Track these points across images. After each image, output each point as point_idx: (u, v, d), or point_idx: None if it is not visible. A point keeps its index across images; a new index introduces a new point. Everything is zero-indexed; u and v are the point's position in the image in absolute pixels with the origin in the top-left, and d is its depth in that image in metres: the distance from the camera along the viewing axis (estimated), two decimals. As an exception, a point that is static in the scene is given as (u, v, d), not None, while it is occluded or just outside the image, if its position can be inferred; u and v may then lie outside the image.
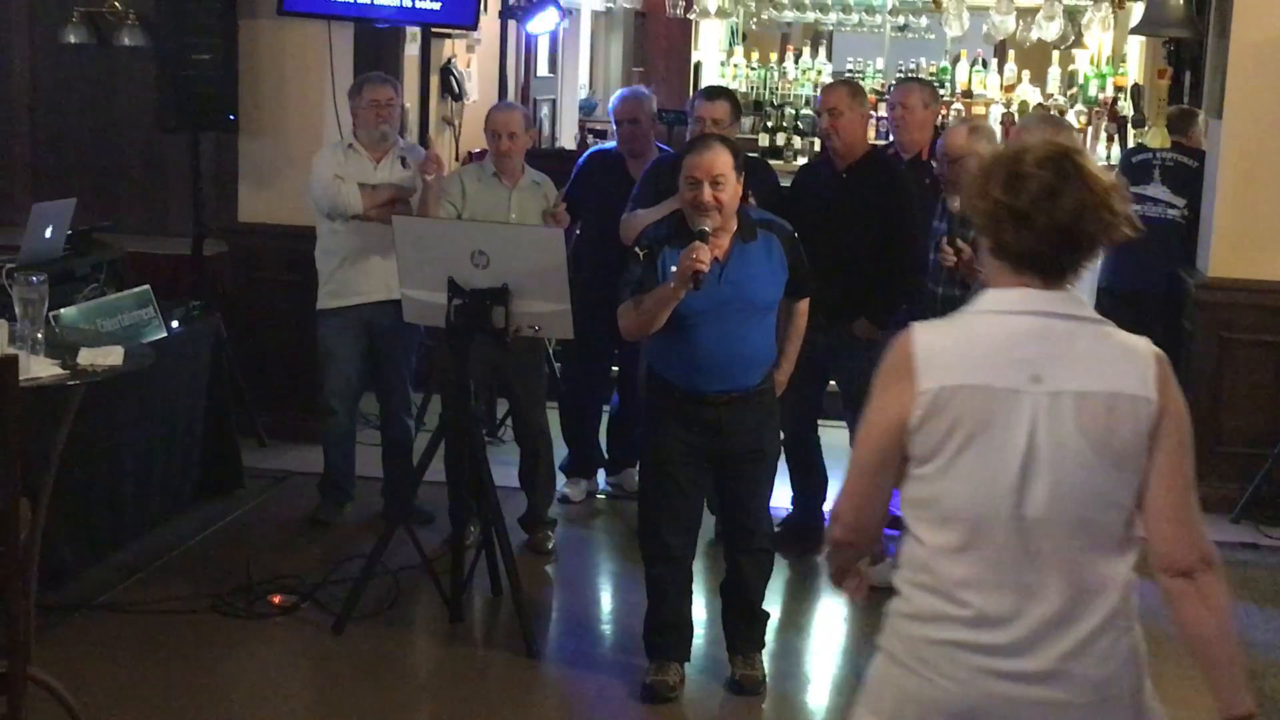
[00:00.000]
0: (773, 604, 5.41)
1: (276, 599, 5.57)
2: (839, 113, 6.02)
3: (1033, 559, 2.55)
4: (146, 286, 6.10)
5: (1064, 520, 2.55)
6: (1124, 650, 2.59)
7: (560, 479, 6.71)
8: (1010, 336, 2.58)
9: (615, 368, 7.00)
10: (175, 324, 6.27)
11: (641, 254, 4.74)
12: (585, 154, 7.02)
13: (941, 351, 2.60)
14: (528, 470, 6.27)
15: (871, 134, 8.41)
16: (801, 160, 11.15)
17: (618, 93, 6.98)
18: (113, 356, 4.48)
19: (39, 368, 4.30)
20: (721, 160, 4.64)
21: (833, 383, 6.40)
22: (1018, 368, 2.55)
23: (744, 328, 4.75)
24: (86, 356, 4.45)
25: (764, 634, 5.13)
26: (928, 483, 2.60)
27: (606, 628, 5.64)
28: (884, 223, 5.97)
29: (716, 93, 6.40)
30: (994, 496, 2.55)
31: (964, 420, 2.55)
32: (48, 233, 6.00)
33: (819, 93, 6.34)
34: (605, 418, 7.08)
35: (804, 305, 5.07)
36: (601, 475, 7.08)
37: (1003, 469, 2.54)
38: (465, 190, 6.01)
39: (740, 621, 5.08)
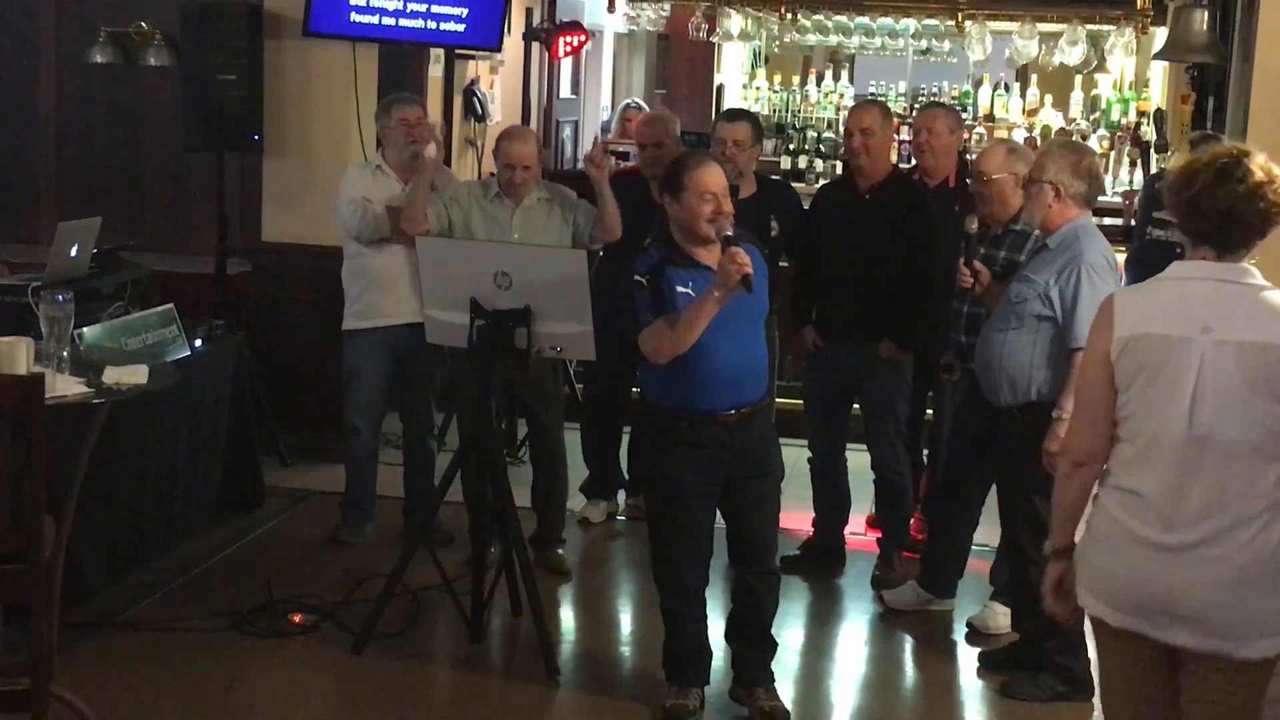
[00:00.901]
0: (793, 627, 5.41)
1: (297, 618, 5.58)
2: (871, 132, 6.01)
3: (1195, 467, 3.30)
4: (170, 305, 6.12)
5: (1223, 439, 3.27)
6: (1265, 542, 3.27)
7: (579, 500, 6.72)
8: (1188, 297, 3.36)
9: (636, 389, 6.98)
10: (199, 343, 6.29)
11: (645, 281, 4.73)
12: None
13: (1134, 307, 3.42)
14: (544, 490, 6.26)
15: (894, 157, 8.41)
16: (824, 183, 11.15)
17: (640, 115, 6.96)
18: (137, 375, 4.50)
19: (64, 386, 4.32)
20: (722, 174, 4.76)
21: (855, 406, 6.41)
22: (1192, 321, 3.31)
23: (747, 338, 4.78)
24: (111, 375, 4.47)
25: (772, 662, 5.05)
26: (1124, 408, 3.39)
27: (627, 649, 5.63)
28: (907, 244, 5.96)
29: (737, 115, 6.41)
30: (1170, 419, 3.32)
31: (1149, 360, 3.34)
32: (73, 251, 6.03)
33: (847, 113, 6.30)
34: (626, 439, 7.07)
35: (771, 319, 5.09)
36: (621, 496, 7.07)
37: (1177, 398, 3.31)
38: (464, 207, 5.99)
39: (754, 650, 5.00)
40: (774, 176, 8.06)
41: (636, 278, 4.76)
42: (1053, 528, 3.61)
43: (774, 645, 5.06)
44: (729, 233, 4.62)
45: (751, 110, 10.02)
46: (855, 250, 6.00)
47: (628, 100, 6.89)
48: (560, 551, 6.29)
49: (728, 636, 5.10)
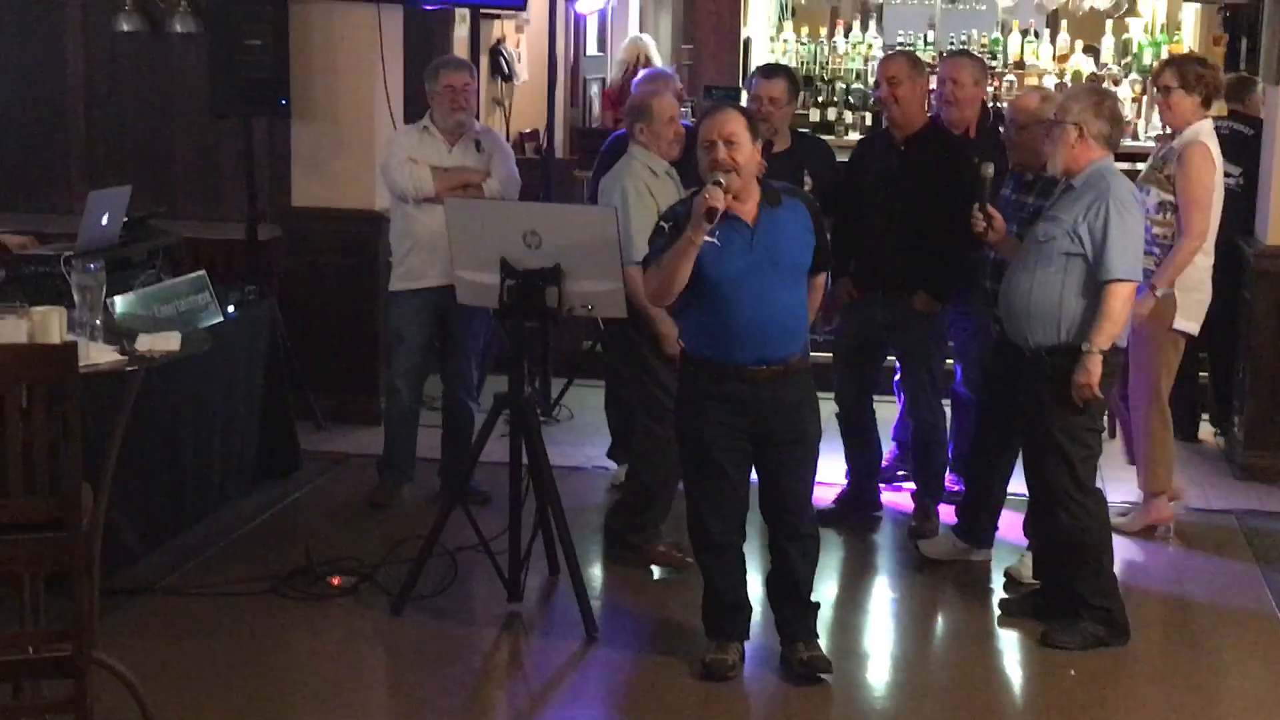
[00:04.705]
0: (828, 581, 5.41)
1: (336, 580, 5.61)
2: (898, 82, 5.97)
3: None
4: (202, 272, 6.13)
5: None
6: None
7: (611, 465, 6.80)
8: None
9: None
10: (231, 309, 6.30)
11: (666, 226, 4.73)
12: (610, 138, 6.85)
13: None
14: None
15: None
16: (854, 135, 11.09)
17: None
18: (170, 342, 4.51)
19: (98, 354, 4.34)
20: (733, 122, 4.66)
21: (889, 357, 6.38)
22: None
23: (775, 293, 4.72)
24: (144, 342, 4.48)
25: (815, 623, 5.03)
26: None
27: (665, 607, 5.62)
28: (943, 194, 5.91)
29: (774, 71, 6.33)
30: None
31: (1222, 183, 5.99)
32: (104, 220, 6.04)
33: (877, 64, 6.23)
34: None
35: (821, 280, 5.04)
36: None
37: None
38: (654, 194, 5.69)
39: (793, 610, 5.00)
40: (803, 130, 7.98)
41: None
42: (1161, 275, 5.80)
43: (815, 606, 5.03)
44: (720, 177, 4.55)
45: (787, 66, 9.95)
46: (891, 201, 5.95)
47: (662, 70, 6.77)
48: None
49: (767, 594, 5.11)
